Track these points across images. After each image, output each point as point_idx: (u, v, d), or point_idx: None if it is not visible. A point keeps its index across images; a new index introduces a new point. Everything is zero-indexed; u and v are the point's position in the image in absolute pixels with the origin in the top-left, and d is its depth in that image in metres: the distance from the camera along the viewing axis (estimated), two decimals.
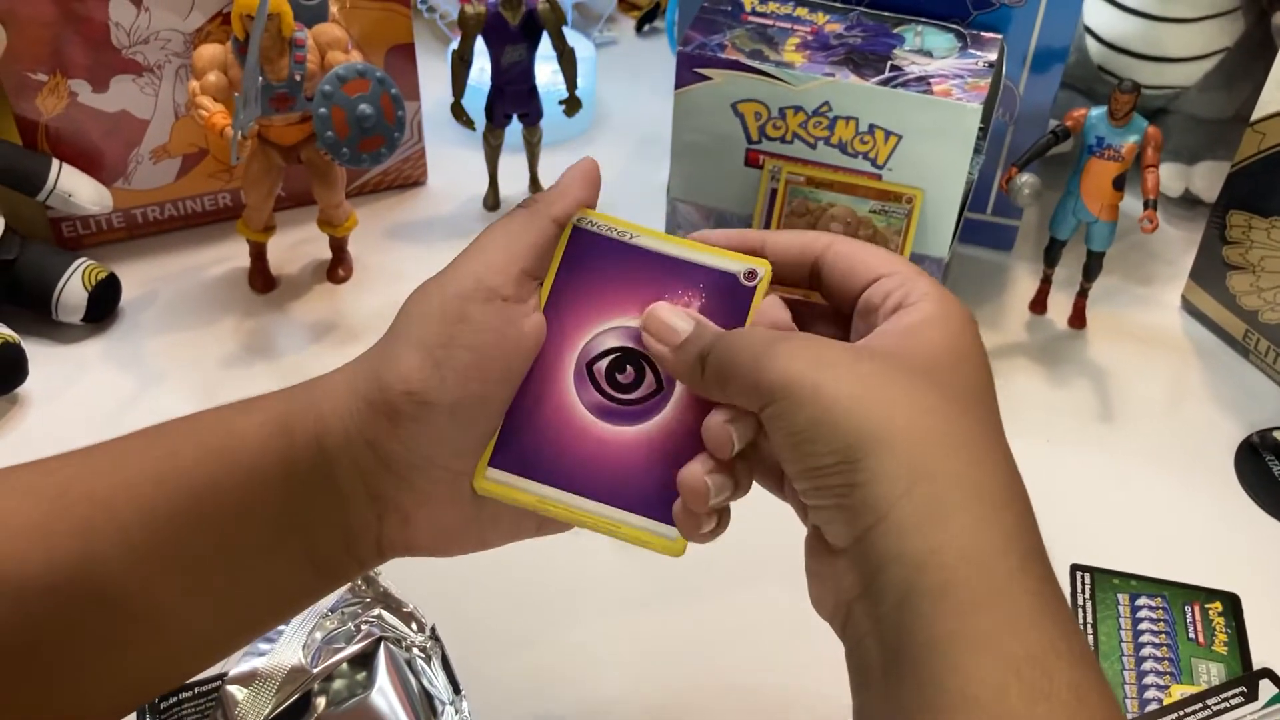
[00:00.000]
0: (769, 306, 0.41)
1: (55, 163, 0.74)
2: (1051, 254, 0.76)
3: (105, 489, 0.39)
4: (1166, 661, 0.57)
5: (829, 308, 0.42)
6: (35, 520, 0.38)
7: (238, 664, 0.52)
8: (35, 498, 0.39)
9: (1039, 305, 0.78)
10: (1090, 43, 0.85)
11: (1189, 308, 0.79)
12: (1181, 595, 0.60)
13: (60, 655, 0.39)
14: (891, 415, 0.34)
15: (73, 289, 0.73)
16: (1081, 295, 0.77)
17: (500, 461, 0.41)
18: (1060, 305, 0.78)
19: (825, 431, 0.35)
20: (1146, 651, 0.57)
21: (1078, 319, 0.78)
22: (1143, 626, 0.58)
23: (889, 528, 0.34)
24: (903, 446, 0.34)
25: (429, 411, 0.39)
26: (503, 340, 0.40)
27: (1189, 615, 0.59)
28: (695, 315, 0.40)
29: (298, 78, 0.69)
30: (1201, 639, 0.58)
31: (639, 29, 1.06)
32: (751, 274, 0.42)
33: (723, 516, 0.41)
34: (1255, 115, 0.71)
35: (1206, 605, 0.59)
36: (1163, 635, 0.58)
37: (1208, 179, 0.85)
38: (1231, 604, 0.59)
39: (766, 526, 0.43)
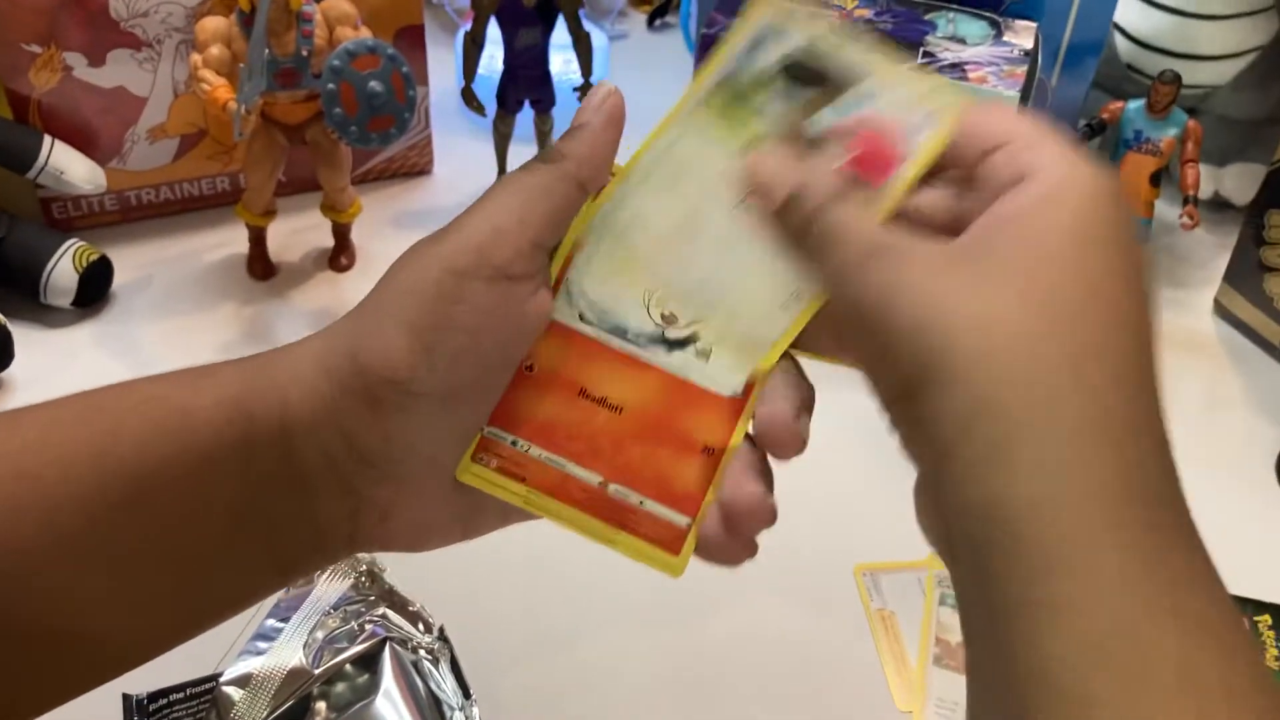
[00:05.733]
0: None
1: (47, 139, 0.71)
2: None
3: (34, 464, 0.34)
4: None
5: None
6: None
7: (234, 664, 0.49)
8: None
9: None
10: (1119, 40, 0.82)
11: (1222, 311, 0.77)
12: None
13: None
14: (956, 340, 0.29)
15: (63, 270, 0.70)
16: None
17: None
18: None
19: (889, 361, 0.30)
20: None
21: None
22: None
23: (951, 473, 0.29)
24: (964, 377, 0.29)
25: (415, 401, 0.34)
26: (504, 323, 0.35)
27: None
28: (806, 171, 0.33)
29: (305, 53, 0.66)
30: None
31: (650, 23, 1.04)
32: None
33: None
34: None
35: (1255, 619, 0.56)
36: None
37: (1239, 181, 0.83)
38: None
39: (795, 534, 0.40)
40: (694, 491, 0.36)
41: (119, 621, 0.36)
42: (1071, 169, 0.31)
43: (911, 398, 0.30)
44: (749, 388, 0.36)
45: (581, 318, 0.36)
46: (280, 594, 0.52)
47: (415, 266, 0.34)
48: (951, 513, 0.30)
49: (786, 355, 0.36)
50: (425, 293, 0.34)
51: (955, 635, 0.57)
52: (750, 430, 0.36)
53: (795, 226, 0.33)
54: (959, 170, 0.34)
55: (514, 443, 0.36)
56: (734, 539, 0.35)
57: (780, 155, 0.34)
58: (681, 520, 0.36)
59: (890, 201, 0.33)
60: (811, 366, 0.36)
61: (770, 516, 0.35)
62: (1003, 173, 0.31)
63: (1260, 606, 0.57)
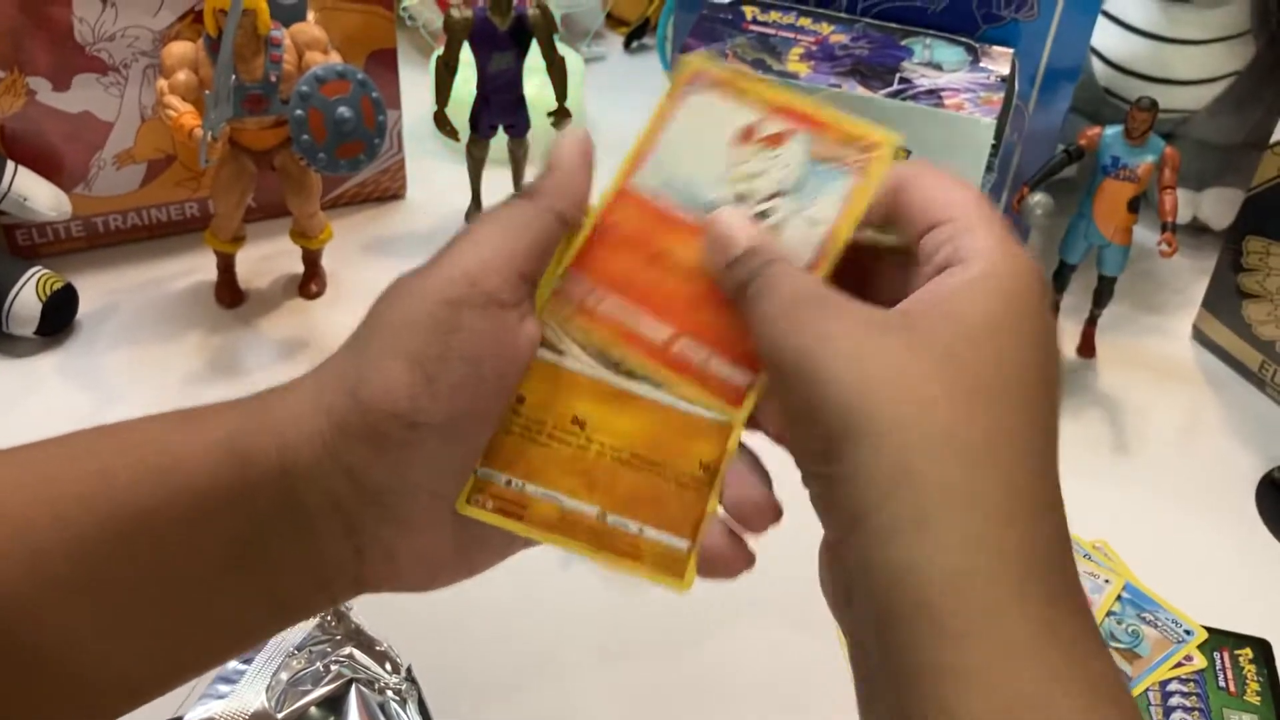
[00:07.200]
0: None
1: (10, 164, 0.69)
2: (1060, 279, 0.73)
3: (20, 506, 0.33)
4: (1197, 713, 0.53)
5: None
6: None
7: (194, 707, 0.48)
8: None
9: None
10: (1096, 64, 0.82)
11: (1201, 337, 0.76)
12: (1210, 641, 0.56)
13: None
14: (884, 405, 0.30)
15: (25, 299, 0.69)
16: (1091, 323, 0.74)
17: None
18: (1067, 333, 0.75)
19: (814, 415, 0.31)
20: (1175, 701, 0.54)
21: (1087, 348, 0.74)
22: (1170, 675, 0.55)
23: (866, 534, 0.30)
24: (889, 443, 0.30)
25: (418, 434, 0.34)
26: (499, 351, 0.35)
27: (1219, 662, 0.55)
28: (760, 233, 0.35)
29: (273, 78, 0.65)
30: (1233, 688, 0.54)
31: (627, 45, 1.03)
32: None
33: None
34: (1276, 138, 0.69)
35: (1236, 652, 0.56)
36: (1191, 684, 0.54)
37: (1216, 206, 0.83)
38: (1263, 650, 0.56)
39: (769, 562, 0.39)
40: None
41: (111, 665, 0.35)
42: (1004, 259, 0.32)
43: (830, 455, 0.31)
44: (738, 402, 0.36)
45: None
46: None
47: (407, 299, 0.35)
48: (858, 572, 0.31)
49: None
50: (422, 324, 0.34)
51: None
52: (741, 441, 0.36)
53: (740, 280, 0.34)
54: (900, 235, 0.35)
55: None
56: (735, 547, 0.36)
57: (739, 213, 0.36)
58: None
59: (827, 258, 0.35)
60: None
61: (776, 513, 0.36)
62: (941, 253, 0.33)
63: (1240, 640, 0.56)
